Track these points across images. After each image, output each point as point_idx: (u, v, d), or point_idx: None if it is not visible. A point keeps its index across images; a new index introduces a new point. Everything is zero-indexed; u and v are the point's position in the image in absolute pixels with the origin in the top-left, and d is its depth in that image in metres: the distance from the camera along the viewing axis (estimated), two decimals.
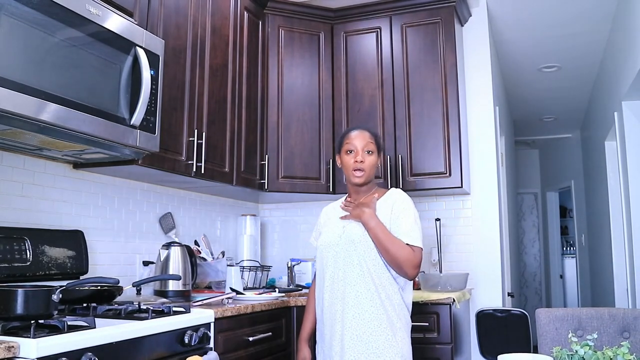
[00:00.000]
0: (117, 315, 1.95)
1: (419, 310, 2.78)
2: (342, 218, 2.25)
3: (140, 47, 2.15)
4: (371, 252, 2.13)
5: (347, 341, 2.09)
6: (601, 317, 2.21)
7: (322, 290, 2.22)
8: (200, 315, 2.07)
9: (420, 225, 2.19)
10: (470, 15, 3.74)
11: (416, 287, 3.25)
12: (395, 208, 2.18)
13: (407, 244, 2.10)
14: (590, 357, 1.37)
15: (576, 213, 7.35)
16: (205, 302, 2.42)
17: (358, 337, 2.08)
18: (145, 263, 2.76)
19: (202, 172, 2.67)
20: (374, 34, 3.50)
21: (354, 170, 2.22)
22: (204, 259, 3.06)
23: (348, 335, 2.09)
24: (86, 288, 2.03)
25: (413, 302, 2.82)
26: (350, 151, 2.23)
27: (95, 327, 1.61)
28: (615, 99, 4.30)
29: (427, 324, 2.76)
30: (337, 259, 2.18)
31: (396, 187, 3.02)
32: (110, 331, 1.62)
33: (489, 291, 3.48)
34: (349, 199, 2.30)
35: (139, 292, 2.25)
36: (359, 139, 2.23)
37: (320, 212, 2.47)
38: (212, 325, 2.14)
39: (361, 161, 2.21)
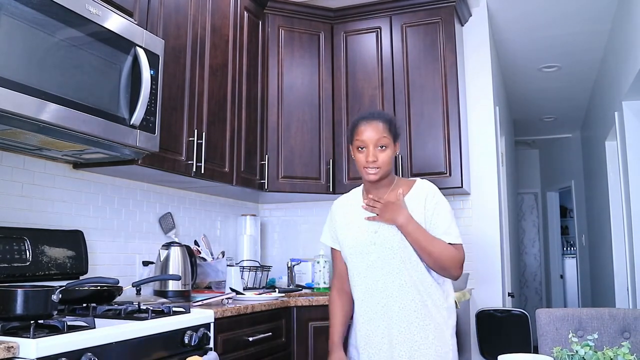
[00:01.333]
0: (116, 315, 1.94)
1: None
2: (368, 219, 2.00)
3: (140, 47, 2.15)
4: (412, 258, 1.94)
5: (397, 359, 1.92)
6: (601, 317, 2.21)
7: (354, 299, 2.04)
8: (200, 316, 2.07)
9: (454, 218, 2.02)
10: (470, 15, 3.74)
11: None
12: (428, 204, 1.97)
13: (448, 243, 1.94)
14: (590, 358, 1.37)
15: (576, 213, 7.35)
16: (205, 302, 2.42)
17: (407, 353, 1.90)
18: (145, 263, 2.76)
19: (202, 172, 2.67)
20: (374, 33, 3.50)
21: (366, 168, 1.97)
22: (204, 259, 3.06)
23: (397, 352, 1.91)
24: (86, 288, 2.03)
25: None
26: (362, 147, 1.97)
27: (95, 327, 1.60)
28: (615, 99, 4.30)
29: None
30: (373, 268, 1.97)
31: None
32: (110, 331, 1.62)
33: (489, 291, 3.48)
34: (370, 195, 2.01)
35: (138, 292, 2.25)
36: (369, 133, 1.95)
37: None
38: (212, 325, 2.14)
39: (373, 160, 1.95)
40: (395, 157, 3.29)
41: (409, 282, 1.93)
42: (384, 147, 1.97)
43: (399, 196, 1.97)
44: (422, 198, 1.99)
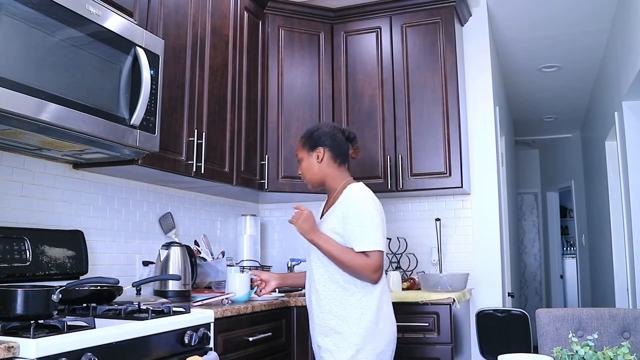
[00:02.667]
0: (117, 315, 1.94)
1: (419, 310, 2.78)
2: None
3: (140, 47, 2.15)
4: (321, 264, 2.19)
5: (316, 335, 2.21)
6: (601, 317, 2.21)
7: None
8: (200, 316, 2.07)
9: (376, 222, 2.12)
10: (470, 15, 3.74)
11: (416, 287, 3.25)
12: (346, 212, 2.14)
13: (360, 251, 2.09)
14: (590, 358, 1.37)
15: (576, 213, 7.35)
16: (205, 302, 2.42)
17: (320, 330, 2.18)
18: (145, 263, 2.76)
19: (202, 172, 2.67)
20: (374, 33, 3.50)
21: None
22: (204, 259, 3.06)
23: (315, 341, 2.22)
24: (86, 288, 2.03)
25: (414, 302, 2.82)
26: None
27: (95, 327, 1.60)
28: (615, 99, 4.30)
29: (427, 324, 2.76)
30: (310, 267, 2.27)
31: (393, 186, 3.25)
32: (110, 331, 1.62)
33: (489, 291, 3.48)
34: (295, 206, 2.28)
35: (138, 292, 2.25)
36: None
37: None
38: (212, 325, 2.14)
39: (299, 174, 2.35)
40: (395, 157, 3.31)
41: (322, 283, 2.17)
42: (300, 161, 2.32)
43: (296, 216, 2.20)
44: (344, 205, 2.16)
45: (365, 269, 2.07)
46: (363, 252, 2.08)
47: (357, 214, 2.12)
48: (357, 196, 2.16)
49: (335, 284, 2.14)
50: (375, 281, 2.11)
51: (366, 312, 2.11)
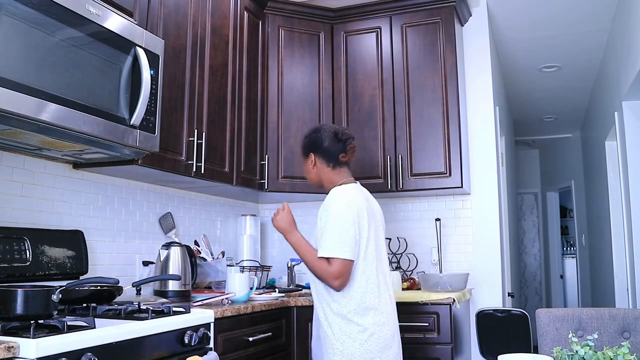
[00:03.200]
0: (116, 315, 1.94)
1: (419, 310, 2.78)
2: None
3: (140, 47, 2.15)
4: None
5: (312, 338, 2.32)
6: (601, 317, 2.21)
7: None
8: (200, 316, 2.07)
9: (342, 228, 2.06)
10: (470, 15, 3.74)
11: (416, 287, 3.25)
12: (320, 217, 2.14)
13: (322, 257, 2.07)
14: (590, 358, 1.37)
15: (576, 213, 7.35)
16: (205, 302, 2.42)
17: (315, 333, 2.25)
18: (145, 263, 2.76)
19: (202, 172, 2.67)
20: (374, 33, 3.50)
21: None
22: (204, 259, 3.06)
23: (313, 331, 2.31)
24: (86, 288, 2.03)
25: (414, 302, 2.83)
26: None
27: (95, 327, 1.60)
28: (615, 99, 4.30)
29: (427, 324, 2.76)
30: None
31: (393, 186, 3.28)
32: (110, 331, 1.62)
33: (489, 291, 3.48)
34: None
35: (138, 292, 2.25)
36: None
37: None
38: (212, 325, 2.14)
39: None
40: (395, 157, 3.31)
41: (314, 287, 2.19)
42: (302, 165, 2.38)
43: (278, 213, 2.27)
44: (322, 209, 2.17)
45: (325, 276, 2.05)
46: (325, 258, 2.05)
47: (328, 219, 2.10)
48: (330, 200, 2.14)
49: (321, 285, 2.13)
50: (336, 288, 2.06)
51: (347, 318, 2.07)
